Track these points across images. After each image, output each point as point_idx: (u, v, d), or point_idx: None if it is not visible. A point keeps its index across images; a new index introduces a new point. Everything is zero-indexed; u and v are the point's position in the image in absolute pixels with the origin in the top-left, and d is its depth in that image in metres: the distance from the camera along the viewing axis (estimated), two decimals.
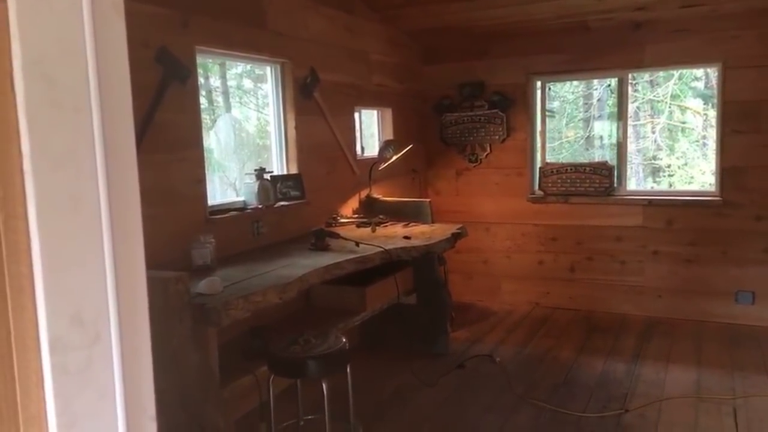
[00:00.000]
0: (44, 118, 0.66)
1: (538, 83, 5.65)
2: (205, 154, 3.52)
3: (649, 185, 8.48)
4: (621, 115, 5.41)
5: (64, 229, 0.67)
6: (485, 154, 5.80)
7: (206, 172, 3.51)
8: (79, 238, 0.68)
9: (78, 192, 0.67)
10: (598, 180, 5.39)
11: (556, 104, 8.76)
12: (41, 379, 0.67)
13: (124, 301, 0.71)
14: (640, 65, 5.20)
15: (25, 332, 0.66)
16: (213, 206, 3.62)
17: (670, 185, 8.72)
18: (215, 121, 4.27)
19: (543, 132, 5.73)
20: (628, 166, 5.50)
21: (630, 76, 5.45)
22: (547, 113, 5.81)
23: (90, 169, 0.67)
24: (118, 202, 0.68)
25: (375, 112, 5.43)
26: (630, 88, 5.57)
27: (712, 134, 5.49)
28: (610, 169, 5.38)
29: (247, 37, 3.76)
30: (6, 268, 0.65)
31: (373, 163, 4.98)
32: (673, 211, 5.18)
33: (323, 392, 2.69)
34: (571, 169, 5.51)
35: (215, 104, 4.49)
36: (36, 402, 0.67)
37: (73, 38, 0.65)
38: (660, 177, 8.99)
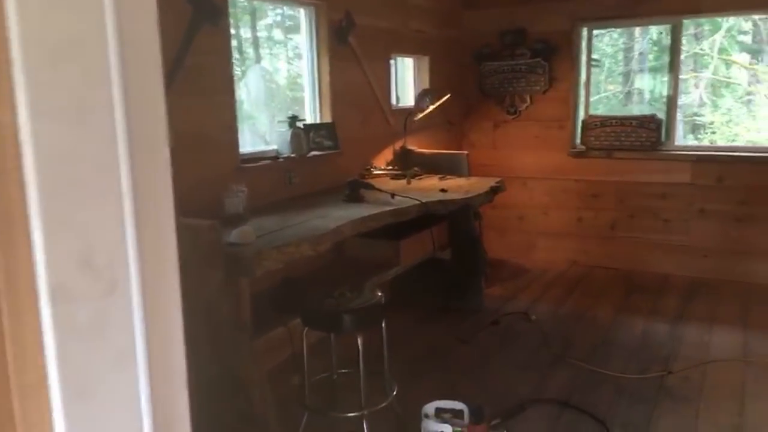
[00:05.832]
0: None
1: (584, 30, 5.34)
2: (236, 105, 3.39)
3: (689, 142, 8.13)
4: (673, 66, 5.08)
5: (67, 143, 0.50)
6: (525, 105, 5.54)
7: (237, 122, 3.39)
8: (86, 156, 0.52)
9: (85, 94, 0.50)
10: (644, 134, 5.12)
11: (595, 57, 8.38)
12: (40, 339, 0.51)
13: (146, 242, 0.56)
14: (697, 11, 4.85)
15: (17, 276, 0.50)
16: (244, 155, 3.52)
17: (711, 143, 8.35)
18: (245, 72, 4.12)
19: (588, 83, 5.44)
20: None
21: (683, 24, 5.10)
22: (592, 62, 5.50)
23: (101, 64, 0.50)
24: (137, 110, 0.50)
25: (411, 60, 5.20)
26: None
27: (760, 90, 5.17)
28: (658, 122, 5.10)
29: None
30: None
31: (409, 113, 4.79)
32: (724, 168, 4.91)
33: (357, 347, 2.60)
34: (616, 122, 5.24)
35: (245, 55, 4.33)
36: (34, 367, 0.52)
37: None
38: (702, 134, 8.60)
